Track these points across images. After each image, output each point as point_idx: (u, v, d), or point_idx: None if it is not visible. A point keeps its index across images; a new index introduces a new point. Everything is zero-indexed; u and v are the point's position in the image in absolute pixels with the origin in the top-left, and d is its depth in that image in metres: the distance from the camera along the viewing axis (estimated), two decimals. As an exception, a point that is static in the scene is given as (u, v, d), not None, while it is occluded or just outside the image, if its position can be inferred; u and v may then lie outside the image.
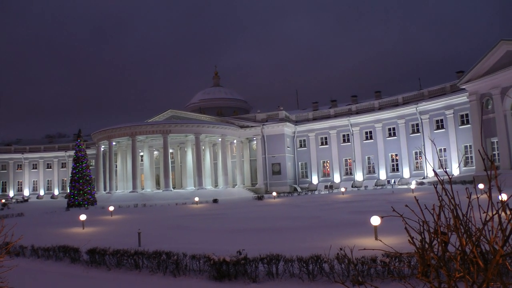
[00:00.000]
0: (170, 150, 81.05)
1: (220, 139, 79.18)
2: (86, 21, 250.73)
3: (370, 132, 75.49)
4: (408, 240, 4.34)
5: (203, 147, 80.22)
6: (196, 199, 55.27)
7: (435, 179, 41.36)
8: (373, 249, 6.50)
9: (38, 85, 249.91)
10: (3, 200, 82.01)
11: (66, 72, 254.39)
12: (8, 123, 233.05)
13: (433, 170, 4.97)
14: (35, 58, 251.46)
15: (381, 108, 74.21)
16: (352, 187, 71.92)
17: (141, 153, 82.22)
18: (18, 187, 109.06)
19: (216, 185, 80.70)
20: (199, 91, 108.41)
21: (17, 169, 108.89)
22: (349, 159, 78.14)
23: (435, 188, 4.30)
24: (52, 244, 18.92)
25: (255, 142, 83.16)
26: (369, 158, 75.88)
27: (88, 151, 76.94)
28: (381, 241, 5.18)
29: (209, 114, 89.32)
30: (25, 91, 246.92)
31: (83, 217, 30.29)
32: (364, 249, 6.47)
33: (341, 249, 8.76)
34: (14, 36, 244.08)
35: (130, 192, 74.07)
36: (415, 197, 4.96)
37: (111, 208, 43.25)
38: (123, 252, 15.82)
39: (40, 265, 17.63)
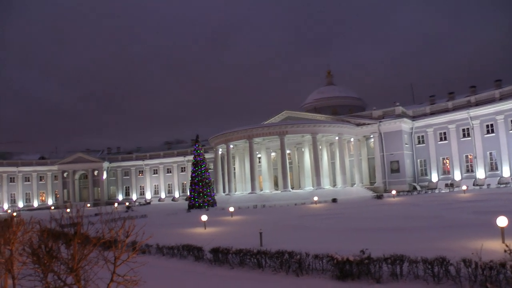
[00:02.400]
0: (287, 151, 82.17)
1: (336, 138, 79.09)
2: (200, 28, 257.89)
3: (492, 125, 70.74)
4: None
5: (320, 147, 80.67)
6: (315, 198, 56.04)
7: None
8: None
9: (155, 95, 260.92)
10: (127, 203, 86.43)
11: (182, 80, 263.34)
12: (129, 133, 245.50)
13: None
14: (152, 69, 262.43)
15: (502, 98, 69.41)
16: (473, 185, 68.75)
17: (259, 155, 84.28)
18: (141, 191, 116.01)
19: (334, 185, 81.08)
20: (313, 91, 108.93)
21: (139, 175, 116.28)
22: (469, 155, 74.11)
23: None
24: (176, 243, 20.05)
25: (372, 140, 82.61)
26: (491, 153, 71.36)
27: (206, 155, 79.75)
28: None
29: (324, 113, 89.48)
30: (143, 102, 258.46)
31: (204, 217, 31.85)
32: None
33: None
34: (131, 50, 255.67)
35: (249, 193, 76.28)
36: None
37: (231, 209, 44.59)
38: (245, 252, 16.26)
39: (165, 262, 18.67)
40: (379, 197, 57.93)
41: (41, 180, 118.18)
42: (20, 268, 9.26)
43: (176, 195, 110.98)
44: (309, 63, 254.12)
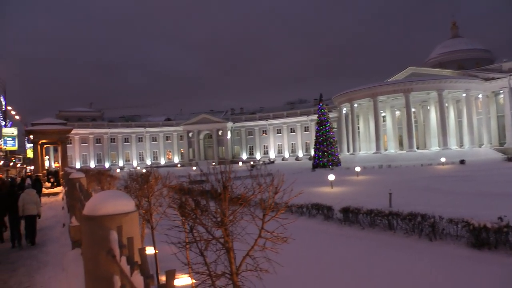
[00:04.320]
0: (412, 109, 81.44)
1: (463, 95, 77.35)
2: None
3: None
4: None
5: (446, 104, 78.91)
6: (442, 159, 56.20)
7: None
8: None
9: (276, 57, 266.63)
10: (252, 162, 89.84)
11: (303, 41, 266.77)
12: (251, 94, 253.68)
13: None
14: (272, 32, 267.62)
15: None
16: None
17: (383, 114, 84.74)
18: (264, 151, 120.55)
19: (461, 145, 79.59)
20: (437, 45, 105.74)
21: (262, 134, 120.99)
22: None
23: None
24: (305, 202, 20.49)
25: (501, 95, 79.16)
26: None
27: (330, 114, 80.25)
28: None
29: (449, 68, 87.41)
30: (265, 63, 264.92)
31: (331, 177, 33.16)
32: None
33: None
34: (252, 13, 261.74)
35: (373, 153, 78.02)
36: None
37: (357, 169, 45.98)
38: (377, 212, 16.55)
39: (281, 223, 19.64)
40: (510, 159, 57.07)
41: (167, 140, 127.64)
42: (158, 219, 10.20)
43: (300, 154, 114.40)
44: (432, 16, 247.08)
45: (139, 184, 11.01)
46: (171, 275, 2.06)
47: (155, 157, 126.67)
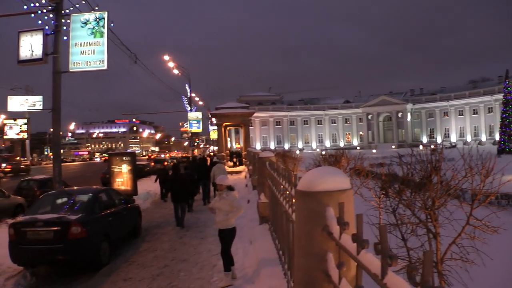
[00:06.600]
0: None
1: None
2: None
3: None
4: None
5: None
6: None
7: None
8: None
9: (458, 33, 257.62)
10: (432, 146, 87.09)
11: (486, 12, 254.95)
12: (431, 73, 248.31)
13: None
14: (457, 5, 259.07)
15: None
16: None
17: None
18: (445, 134, 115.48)
19: None
20: None
21: (443, 116, 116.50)
22: None
23: None
24: (492, 190, 19.03)
25: None
26: None
27: (516, 93, 75.46)
28: None
29: None
30: (446, 41, 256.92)
31: None
32: None
33: None
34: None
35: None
36: None
37: (547, 156, 42.57)
38: None
39: (479, 211, 18.09)
40: None
41: (346, 122, 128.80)
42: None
43: (483, 138, 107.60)
44: None
45: (330, 164, 11.57)
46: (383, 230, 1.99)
47: (334, 140, 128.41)
